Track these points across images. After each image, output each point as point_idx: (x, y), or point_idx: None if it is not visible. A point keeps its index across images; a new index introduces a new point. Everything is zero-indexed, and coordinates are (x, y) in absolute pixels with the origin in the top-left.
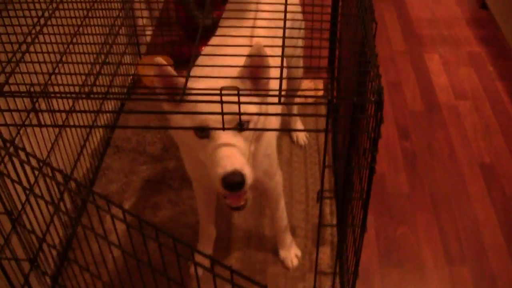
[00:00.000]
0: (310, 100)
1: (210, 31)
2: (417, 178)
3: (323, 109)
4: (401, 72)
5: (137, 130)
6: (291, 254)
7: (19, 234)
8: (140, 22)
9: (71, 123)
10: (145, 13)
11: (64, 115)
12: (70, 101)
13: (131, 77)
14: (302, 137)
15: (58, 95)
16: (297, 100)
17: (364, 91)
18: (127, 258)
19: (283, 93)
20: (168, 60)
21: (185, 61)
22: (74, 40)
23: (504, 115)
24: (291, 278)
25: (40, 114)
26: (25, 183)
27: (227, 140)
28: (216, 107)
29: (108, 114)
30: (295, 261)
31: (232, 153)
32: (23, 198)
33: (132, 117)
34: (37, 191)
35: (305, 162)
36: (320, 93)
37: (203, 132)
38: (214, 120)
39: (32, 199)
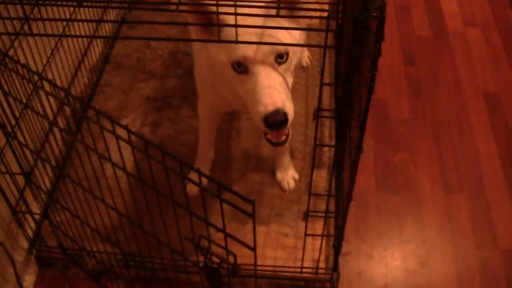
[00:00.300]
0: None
1: None
2: (419, 105)
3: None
4: None
5: (138, 46)
6: (288, 176)
7: (13, 148)
8: None
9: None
10: None
11: (60, 26)
12: (68, 11)
13: None
14: (304, 57)
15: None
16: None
17: (367, 7)
18: (121, 174)
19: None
20: None
21: None
22: None
23: None
24: (287, 200)
25: (35, 24)
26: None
27: (268, 75)
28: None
29: (108, 29)
30: (291, 183)
31: (273, 90)
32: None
33: (134, 32)
34: (33, 106)
35: (306, 84)
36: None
37: (241, 67)
38: (253, 54)
39: (28, 114)
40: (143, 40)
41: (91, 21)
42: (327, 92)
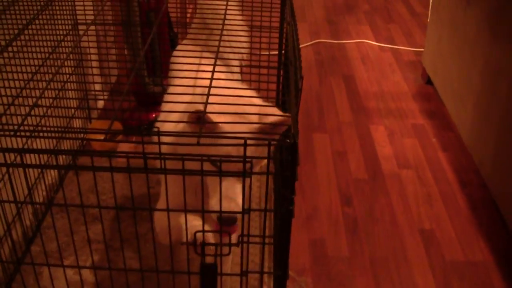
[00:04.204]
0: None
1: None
2: (357, 243)
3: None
4: (346, 142)
5: (82, 191)
6: None
7: None
8: (92, 88)
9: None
10: (97, 80)
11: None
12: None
13: (79, 141)
14: None
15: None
16: None
17: (285, 135)
18: None
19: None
20: (118, 126)
21: (136, 128)
22: (17, 101)
23: (445, 183)
24: None
25: None
26: None
27: None
28: None
29: (53, 174)
30: None
31: None
32: None
33: (80, 178)
34: None
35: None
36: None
37: None
38: None
39: None
40: (88, 186)
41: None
42: (268, 220)
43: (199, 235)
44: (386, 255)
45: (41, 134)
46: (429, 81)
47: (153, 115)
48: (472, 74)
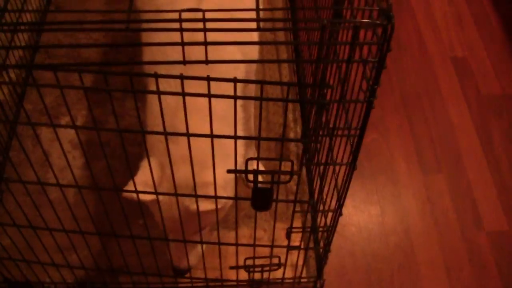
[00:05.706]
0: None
1: None
2: (385, 76)
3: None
4: None
5: (69, 31)
6: (254, 165)
7: None
8: None
9: None
10: None
11: None
12: None
13: None
14: None
15: None
16: None
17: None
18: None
19: None
20: None
21: None
22: None
23: (477, 2)
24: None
25: None
26: None
27: None
28: None
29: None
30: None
31: None
32: None
33: (62, 15)
34: None
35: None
36: None
37: None
38: None
39: None
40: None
41: None
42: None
43: (251, 162)
44: (418, 89)
45: None
46: None
47: None
48: None
